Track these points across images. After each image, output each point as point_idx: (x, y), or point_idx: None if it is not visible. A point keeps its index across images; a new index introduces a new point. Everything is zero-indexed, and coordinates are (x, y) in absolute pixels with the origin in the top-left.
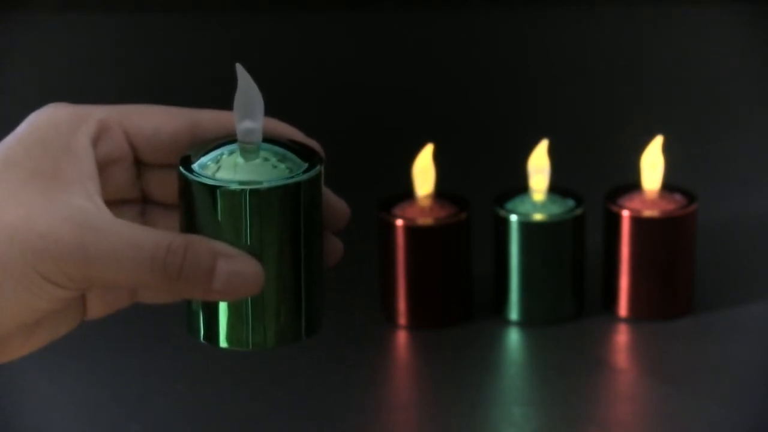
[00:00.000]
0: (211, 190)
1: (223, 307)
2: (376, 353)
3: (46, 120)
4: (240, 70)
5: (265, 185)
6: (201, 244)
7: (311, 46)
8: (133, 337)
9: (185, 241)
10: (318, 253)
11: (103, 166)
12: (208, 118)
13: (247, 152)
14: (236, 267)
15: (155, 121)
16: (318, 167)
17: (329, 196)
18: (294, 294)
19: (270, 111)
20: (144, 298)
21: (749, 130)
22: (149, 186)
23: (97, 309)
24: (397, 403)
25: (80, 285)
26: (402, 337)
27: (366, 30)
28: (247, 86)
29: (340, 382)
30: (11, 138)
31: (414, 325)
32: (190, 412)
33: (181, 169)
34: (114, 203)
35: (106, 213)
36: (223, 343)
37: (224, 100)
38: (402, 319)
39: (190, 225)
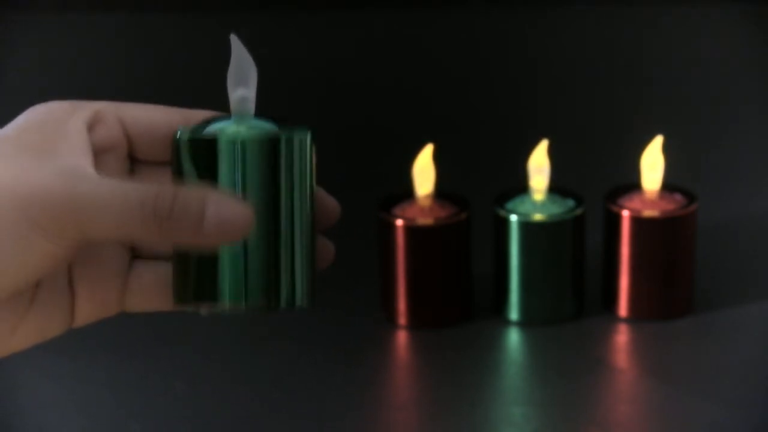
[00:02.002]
0: (200, 142)
1: (203, 263)
2: (376, 353)
3: (42, 108)
4: (234, 40)
5: (255, 137)
6: (190, 190)
7: (311, 46)
8: (133, 337)
9: (174, 188)
10: (307, 224)
11: (97, 152)
12: (204, 117)
13: (241, 121)
14: (226, 207)
15: (151, 115)
16: (308, 132)
17: (321, 193)
18: (278, 255)
19: (270, 111)
20: (134, 290)
21: (749, 130)
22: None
23: (85, 312)
24: (397, 403)
25: (71, 236)
26: (402, 337)
27: (366, 30)
28: (240, 55)
29: (340, 382)
30: (8, 125)
31: (414, 325)
32: (190, 412)
33: (174, 134)
34: None
35: (96, 173)
36: (198, 297)
37: (224, 101)
38: (402, 319)
39: (179, 183)
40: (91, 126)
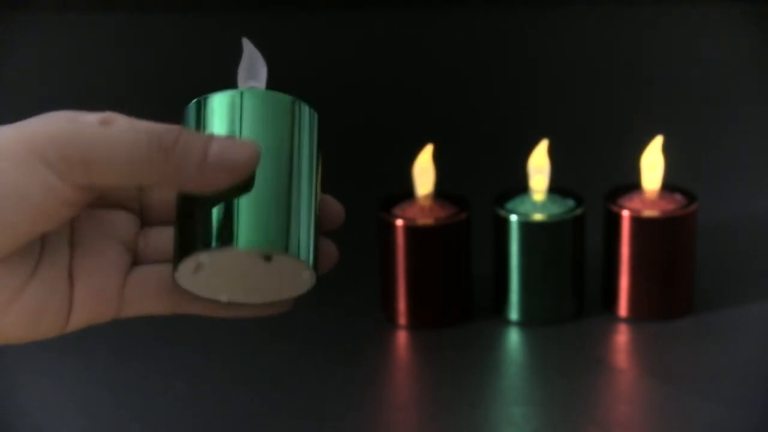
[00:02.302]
0: (208, 99)
1: (210, 205)
2: (376, 353)
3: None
4: (246, 41)
5: (272, 94)
6: (194, 132)
7: (311, 46)
8: (133, 337)
9: (180, 127)
10: (313, 192)
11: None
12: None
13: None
14: (230, 143)
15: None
16: (313, 109)
17: (326, 197)
18: (289, 206)
19: None
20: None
21: (749, 130)
22: (149, 201)
23: (80, 310)
24: (397, 403)
25: (78, 176)
26: (402, 337)
27: (366, 30)
28: (252, 54)
29: (340, 382)
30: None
31: (414, 325)
32: (190, 412)
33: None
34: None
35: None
36: (213, 243)
37: None
38: (402, 319)
39: None
40: None
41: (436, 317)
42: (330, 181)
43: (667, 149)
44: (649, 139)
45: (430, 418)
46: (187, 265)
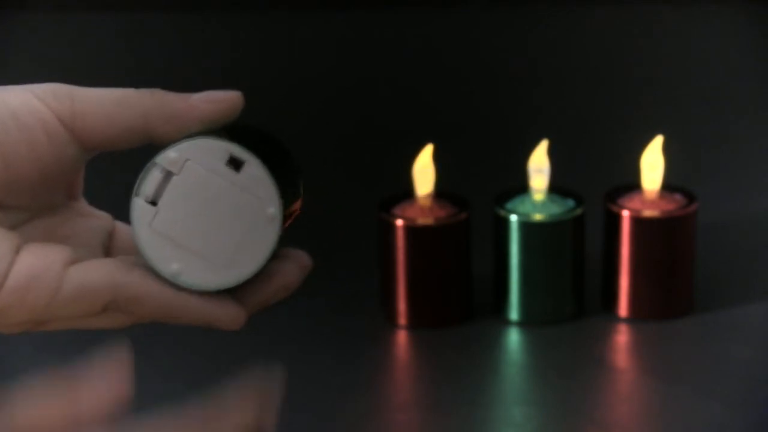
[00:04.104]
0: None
1: None
2: (376, 353)
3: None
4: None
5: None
6: None
7: (311, 46)
8: (133, 337)
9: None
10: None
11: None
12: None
13: None
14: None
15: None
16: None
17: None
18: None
19: (271, 111)
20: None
21: (749, 130)
22: None
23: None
24: (397, 403)
25: (66, 109)
26: (402, 337)
27: (366, 30)
28: None
29: (340, 382)
30: None
31: (414, 325)
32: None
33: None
34: None
35: None
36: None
37: None
38: (402, 319)
39: None
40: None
41: (436, 317)
42: (330, 181)
43: (667, 149)
44: (649, 139)
45: (429, 418)
46: (153, 176)
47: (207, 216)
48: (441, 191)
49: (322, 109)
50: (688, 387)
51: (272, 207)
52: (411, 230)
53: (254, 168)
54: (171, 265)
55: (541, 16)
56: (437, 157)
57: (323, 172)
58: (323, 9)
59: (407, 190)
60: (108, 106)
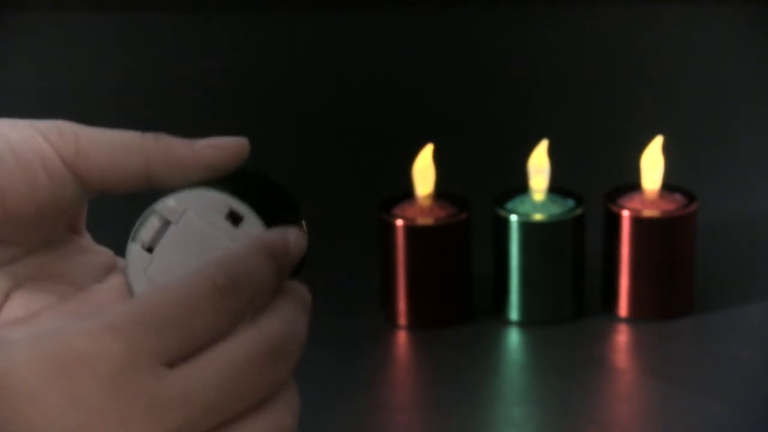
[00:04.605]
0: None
1: None
2: (376, 353)
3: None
4: None
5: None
6: None
7: (311, 46)
8: None
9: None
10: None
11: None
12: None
13: None
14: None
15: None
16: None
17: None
18: None
19: (270, 111)
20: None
21: (749, 130)
22: None
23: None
24: (397, 403)
25: (69, 148)
26: (402, 337)
27: (366, 29)
28: None
29: (340, 382)
30: None
31: (414, 325)
32: None
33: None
34: None
35: None
36: None
37: (224, 101)
38: (402, 319)
39: None
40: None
41: (436, 317)
42: (330, 181)
43: (667, 149)
44: (649, 139)
45: (429, 418)
46: (151, 224)
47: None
48: (441, 191)
49: (322, 109)
50: (688, 387)
51: None
52: (411, 230)
53: (252, 225)
54: None
55: (541, 16)
56: (437, 157)
57: (323, 172)
58: (323, 9)
59: (407, 190)
60: (113, 149)
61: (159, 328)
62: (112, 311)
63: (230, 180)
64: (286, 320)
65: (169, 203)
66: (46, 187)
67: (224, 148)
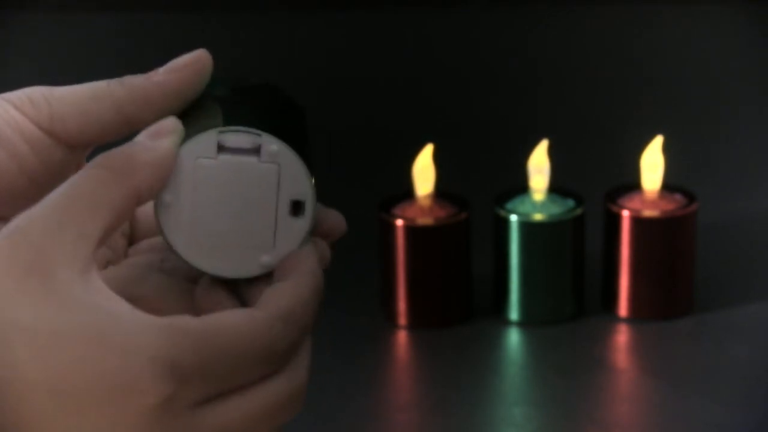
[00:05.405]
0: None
1: None
2: (376, 353)
3: None
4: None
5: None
6: None
7: (311, 45)
8: None
9: None
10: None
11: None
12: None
13: None
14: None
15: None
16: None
17: (324, 210)
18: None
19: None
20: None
21: (749, 130)
22: None
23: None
24: (398, 403)
25: (47, 119)
26: (402, 337)
27: (366, 29)
28: None
29: (340, 382)
30: None
31: (414, 325)
32: None
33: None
34: None
35: None
36: None
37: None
38: (402, 319)
39: None
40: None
41: (436, 317)
42: (330, 182)
43: (667, 149)
44: (649, 139)
45: (430, 418)
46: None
47: (238, 203)
48: (441, 191)
49: (322, 109)
50: (688, 387)
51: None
52: (411, 230)
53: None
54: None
55: (541, 16)
56: (437, 157)
57: (323, 172)
58: (323, 9)
59: (407, 190)
60: (84, 105)
61: (208, 377)
62: (170, 346)
63: (231, 103)
64: (308, 368)
65: (183, 153)
66: (31, 157)
67: (183, 67)
